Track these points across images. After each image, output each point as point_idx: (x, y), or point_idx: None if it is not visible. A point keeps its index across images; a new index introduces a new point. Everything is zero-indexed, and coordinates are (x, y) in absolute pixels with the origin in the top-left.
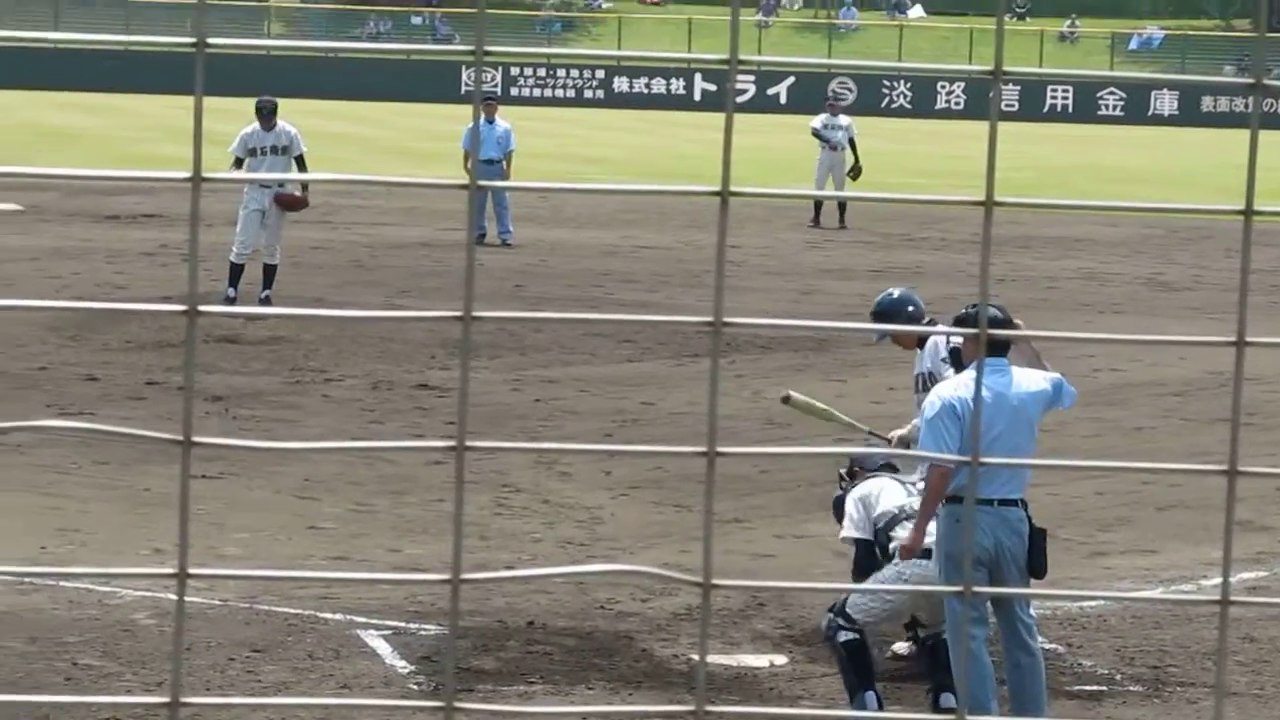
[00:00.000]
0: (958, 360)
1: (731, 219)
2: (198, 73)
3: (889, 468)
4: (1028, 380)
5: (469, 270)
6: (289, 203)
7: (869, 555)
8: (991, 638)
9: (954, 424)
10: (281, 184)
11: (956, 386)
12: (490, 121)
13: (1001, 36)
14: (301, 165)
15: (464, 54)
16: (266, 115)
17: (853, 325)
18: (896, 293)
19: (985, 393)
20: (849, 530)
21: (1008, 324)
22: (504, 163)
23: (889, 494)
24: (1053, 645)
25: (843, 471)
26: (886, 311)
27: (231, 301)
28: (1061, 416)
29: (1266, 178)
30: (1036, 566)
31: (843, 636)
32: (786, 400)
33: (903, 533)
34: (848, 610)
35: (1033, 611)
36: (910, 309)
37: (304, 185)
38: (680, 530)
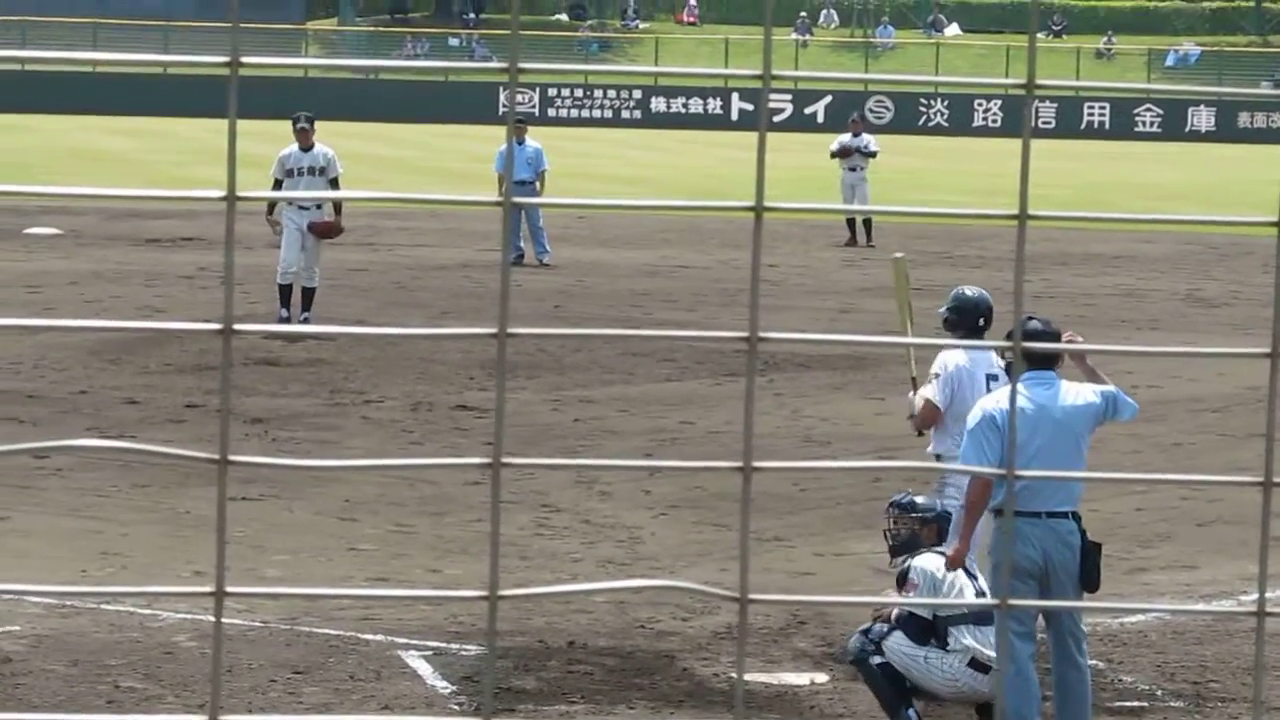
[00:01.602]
0: (1007, 373)
1: (769, 238)
2: (231, 92)
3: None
4: (1075, 394)
5: (503, 287)
6: (323, 230)
7: (924, 632)
8: (1042, 652)
9: (995, 435)
10: (319, 205)
11: (999, 398)
12: (520, 143)
13: (1034, 51)
14: (336, 188)
15: (498, 72)
16: (302, 130)
17: (889, 340)
18: (971, 291)
19: (1028, 405)
20: (913, 600)
21: (1054, 339)
22: (536, 183)
23: (963, 588)
24: (1093, 661)
25: (916, 516)
26: (955, 306)
27: (285, 322)
28: (1101, 432)
29: None
30: (1089, 580)
31: (875, 660)
32: (896, 261)
33: (968, 639)
34: (883, 645)
35: (1084, 626)
36: (980, 319)
37: (337, 209)
38: (720, 549)
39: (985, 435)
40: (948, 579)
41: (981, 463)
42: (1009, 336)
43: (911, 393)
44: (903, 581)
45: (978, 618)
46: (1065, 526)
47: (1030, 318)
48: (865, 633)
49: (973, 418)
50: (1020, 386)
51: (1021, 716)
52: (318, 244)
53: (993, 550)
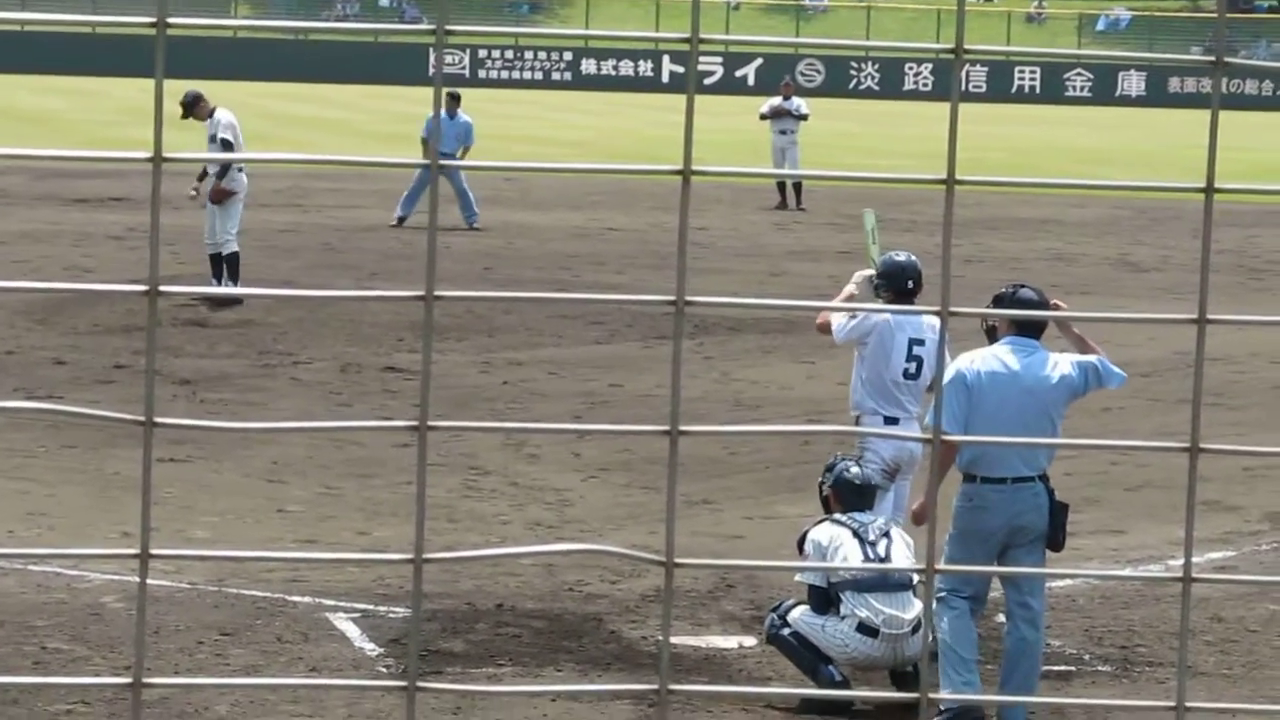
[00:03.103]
0: (992, 337)
1: (698, 201)
2: (158, 53)
3: (868, 493)
4: (1052, 366)
5: (430, 249)
6: (216, 196)
7: (823, 602)
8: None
9: (963, 394)
10: (212, 172)
11: (974, 359)
12: (452, 116)
13: (963, 14)
14: (223, 149)
15: (426, 33)
16: (188, 107)
17: (817, 304)
18: (902, 256)
19: (1002, 369)
20: (806, 576)
21: (1043, 306)
22: (458, 154)
23: (849, 555)
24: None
25: (824, 483)
26: (888, 272)
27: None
28: None
29: (1233, 158)
30: (1052, 540)
31: (785, 631)
32: (864, 213)
33: (855, 605)
34: (788, 618)
35: (1044, 600)
36: (909, 281)
37: (220, 173)
38: (649, 512)
39: (956, 395)
40: (834, 548)
41: (948, 421)
42: (997, 301)
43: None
44: (800, 550)
45: (868, 585)
46: (1033, 490)
47: (1022, 285)
48: (775, 609)
49: (945, 375)
50: (1000, 350)
51: (955, 651)
52: (222, 210)
53: (955, 514)
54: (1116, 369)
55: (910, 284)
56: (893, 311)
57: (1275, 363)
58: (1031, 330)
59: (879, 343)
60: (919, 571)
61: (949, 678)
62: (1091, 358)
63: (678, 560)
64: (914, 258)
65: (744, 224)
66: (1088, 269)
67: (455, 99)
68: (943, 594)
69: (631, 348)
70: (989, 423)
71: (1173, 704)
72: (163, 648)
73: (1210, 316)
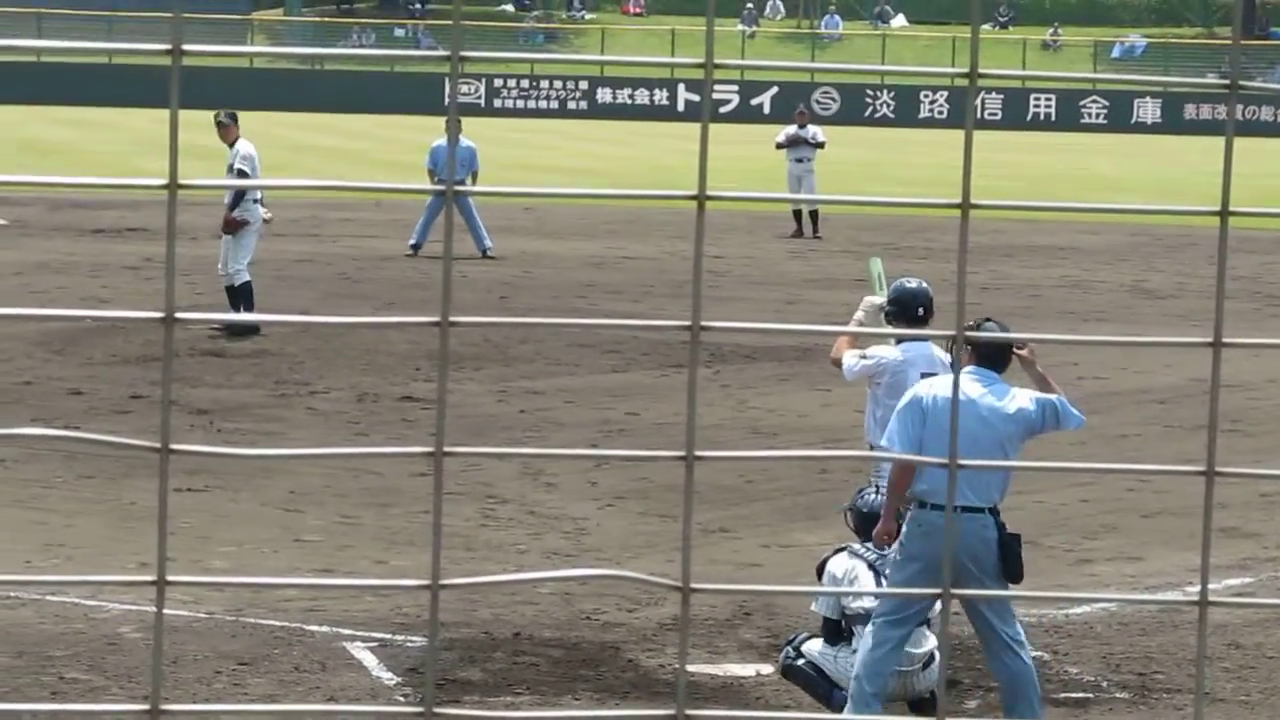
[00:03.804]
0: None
1: (715, 229)
2: (173, 79)
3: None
4: (1010, 399)
5: (446, 275)
6: (228, 226)
7: (835, 633)
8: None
9: (918, 417)
10: (236, 204)
11: (933, 385)
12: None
13: (977, 38)
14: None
15: (441, 60)
16: (218, 125)
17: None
18: (913, 283)
19: (959, 397)
20: (820, 607)
21: (1006, 347)
22: (467, 180)
23: (863, 584)
24: (1039, 652)
25: (848, 512)
26: (899, 299)
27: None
28: None
29: (1249, 185)
30: (1011, 571)
31: (800, 662)
32: (870, 261)
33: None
34: (802, 649)
35: (1019, 627)
36: (920, 309)
37: (233, 204)
38: (666, 540)
39: (910, 417)
40: (849, 581)
41: (904, 442)
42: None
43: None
44: (819, 579)
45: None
46: (980, 521)
47: (988, 320)
48: (789, 642)
49: (903, 399)
50: (961, 379)
51: (862, 684)
52: (234, 241)
53: (904, 541)
54: (1076, 411)
55: (921, 311)
56: (904, 336)
57: None
58: (993, 363)
59: (892, 381)
60: (935, 596)
61: (851, 708)
62: (1052, 396)
63: (694, 585)
64: (925, 284)
65: (760, 252)
66: (1104, 296)
67: (458, 126)
68: (879, 621)
69: (648, 376)
70: (941, 449)
71: None
72: (181, 677)
73: (1226, 340)
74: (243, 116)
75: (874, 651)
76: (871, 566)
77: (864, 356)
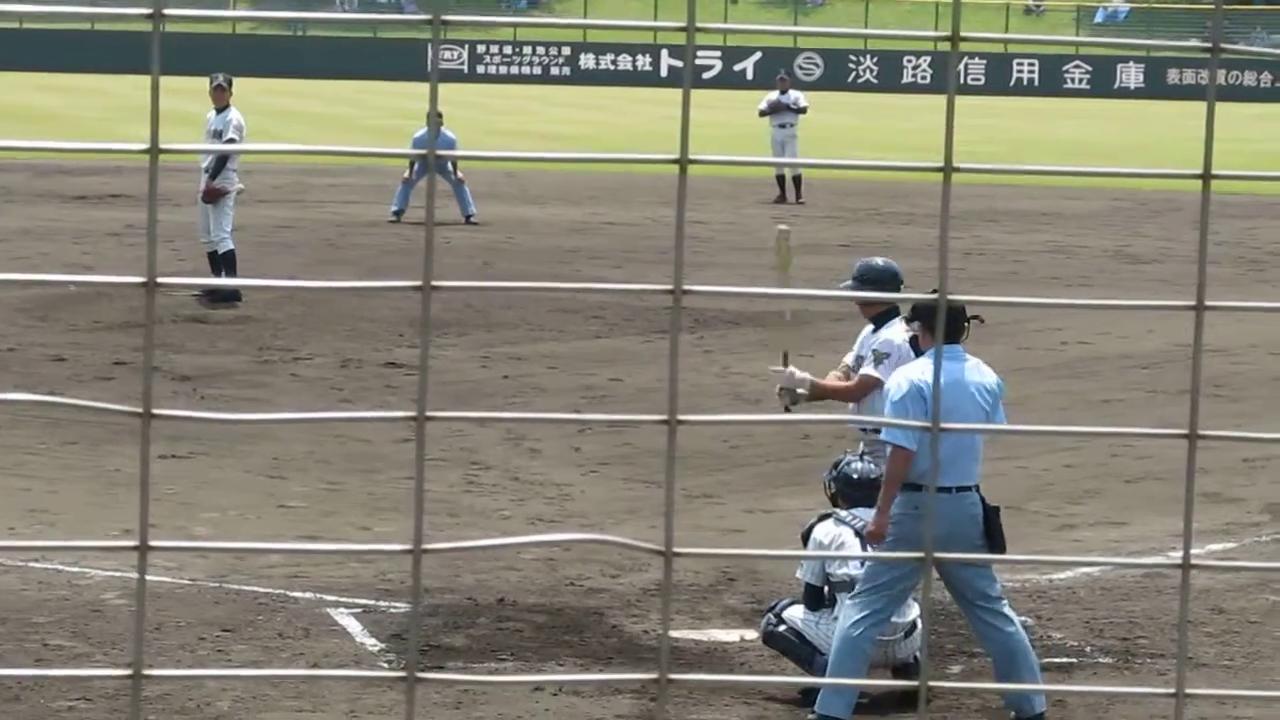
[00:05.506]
0: (917, 349)
1: (697, 195)
2: (154, 44)
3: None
4: (979, 371)
5: (428, 239)
6: (208, 195)
7: (817, 600)
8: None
9: (920, 406)
10: (206, 169)
11: (922, 370)
12: (436, 135)
13: (959, 3)
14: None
15: (423, 24)
16: (215, 89)
17: (814, 293)
18: (881, 262)
19: (946, 377)
20: (804, 573)
21: (961, 315)
22: (448, 164)
23: (848, 549)
24: (1023, 618)
25: (830, 481)
26: (866, 278)
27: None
28: (1030, 389)
29: (1232, 149)
30: (996, 544)
31: (781, 629)
32: (781, 234)
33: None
34: (783, 616)
35: (1006, 604)
36: (889, 284)
37: (214, 172)
38: (650, 506)
39: (910, 406)
40: (834, 548)
41: (908, 435)
42: (920, 310)
43: (786, 367)
44: (804, 545)
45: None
46: (969, 499)
47: (934, 291)
48: (770, 609)
49: (897, 389)
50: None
51: (839, 667)
52: (215, 209)
53: (896, 523)
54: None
55: (901, 288)
56: (886, 300)
57: (1275, 354)
58: (954, 338)
59: (898, 358)
60: (918, 560)
61: (828, 696)
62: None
63: (676, 550)
64: (892, 262)
65: (743, 218)
66: (1087, 261)
67: (440, 117)
68: (859, 597)
69: (631, 342)
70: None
71: (1172, 691)
72: (164, 644)
73: (1208, 303)
74: None
75: (850, 632)
76: (857, 534)
77: (879, 363)
